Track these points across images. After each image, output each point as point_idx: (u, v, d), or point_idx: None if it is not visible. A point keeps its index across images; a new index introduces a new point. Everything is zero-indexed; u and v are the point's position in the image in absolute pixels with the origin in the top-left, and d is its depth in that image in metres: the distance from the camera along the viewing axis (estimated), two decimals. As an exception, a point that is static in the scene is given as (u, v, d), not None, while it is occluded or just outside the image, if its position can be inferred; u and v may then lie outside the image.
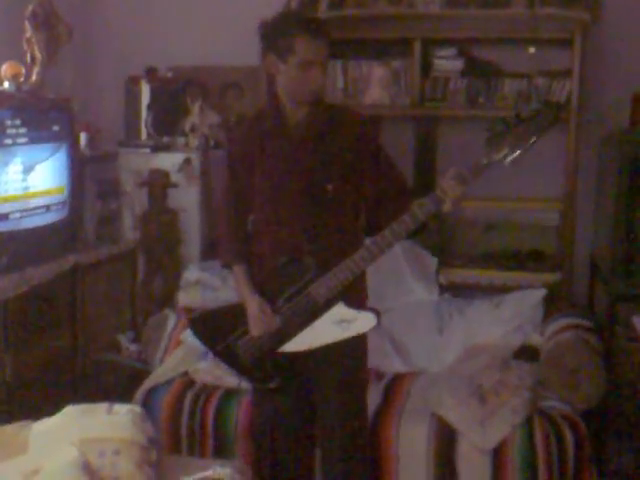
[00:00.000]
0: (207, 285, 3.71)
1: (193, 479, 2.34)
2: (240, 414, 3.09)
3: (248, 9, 3.60)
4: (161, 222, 3.95)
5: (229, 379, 3.17)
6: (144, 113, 4.17)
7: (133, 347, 3.77)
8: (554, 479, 2.88)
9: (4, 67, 3.34)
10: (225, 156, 2.75)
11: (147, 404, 3.12)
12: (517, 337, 3.43)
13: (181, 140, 4.12)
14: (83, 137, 3.96)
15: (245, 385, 3.05)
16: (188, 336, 3.31)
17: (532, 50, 3.96)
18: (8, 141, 3.16)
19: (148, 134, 4.16)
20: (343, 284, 2.48)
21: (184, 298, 3.75)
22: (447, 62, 3.92)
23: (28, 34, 3.44)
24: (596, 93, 3.90)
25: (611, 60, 3.90)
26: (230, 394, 3.17)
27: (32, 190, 3.32)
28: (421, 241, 3.75)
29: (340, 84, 3.99)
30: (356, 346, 2.62)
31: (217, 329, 2.70)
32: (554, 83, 3.76)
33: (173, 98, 4.18)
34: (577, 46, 3.61)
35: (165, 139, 4.13)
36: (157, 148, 4.05)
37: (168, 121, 4.16)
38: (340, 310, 2.51)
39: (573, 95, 3.67)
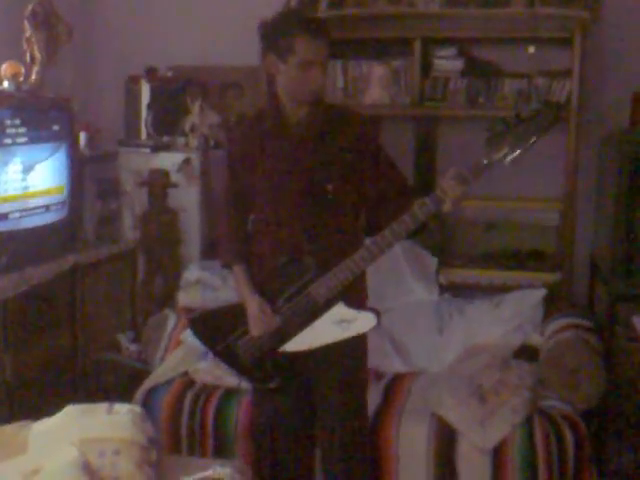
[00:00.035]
0: (207, 285, 3.71)
1: (193, 479, 2.34)
2: (240, 414, 3.09)
3: (248, 9, 3.60)
4: (161, 222, 3.95)
5: (229, 379, 3.17)
6: (144, 113, 4.17)
7: (133, 347, 3.77)
8: (554, 479, 2.88)
9: (4, 67, 3.33)
10: (225, 156, 2.75)
11: (147, 404, 3.12)
12: (517, 337, 3.43)
13: (181, 140, 4.12)
14: (83, 137, 3.97)
15: (245, 385, 3.05)
16: (188, 336, 3.31)
17: (532, 50, 3.95)
18: (8, 141, 3.16)
19: (148, 134, 4.16)
20: (343, 284, 2.47)
21: (184, 298, 3.75)
22: (447, 62, 3.92)
23: (28, 33, 3.44)
24: (596, 93, 3.90)
25: (611, 60, 3.90)
26: (230, 394, 3.17)
27: (32, 190, 3.32)
28: (421, 241, 3.75)
29: (340, 84, 3.99)
30: (356, 346, 2.62)
31: (217, 329, 2.70)
32: (554, 83, 3.76)
33: (173, 98, 4.18)
34: (577, 46, 3.61)
35: (165, 139, 4.12)
36: (157, 148, 4.05)
37: (168, 121, 4.16)
38: (340, 310, 2.51)
39: (573, 95, 3.66)
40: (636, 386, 3.28)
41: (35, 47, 3.44)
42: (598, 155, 3.93)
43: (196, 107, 4.10)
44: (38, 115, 3.37)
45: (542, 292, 3.56)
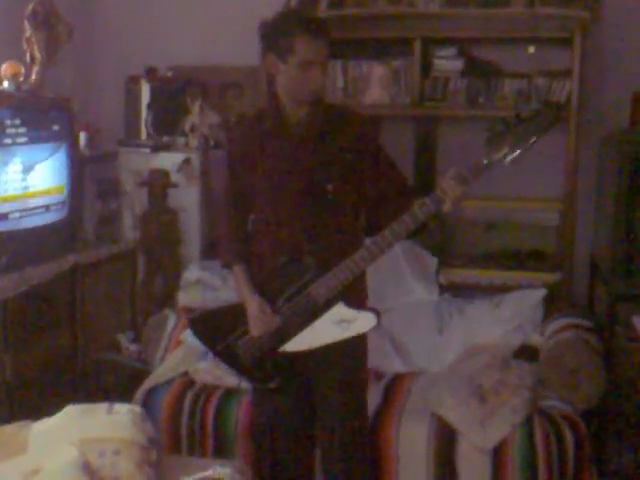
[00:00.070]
0: (207, 285, 3.71)
1: (193, 479, 2.34)
2: (240, 414, 3.09)
3: (248, 9, 3.60)
4: (161, 222, 3.94)
5: (229, 379, 3.17)
6: (144, 113, 4.17)
7: (133, 347, 3.77)
8: (554, 479, 2.88)
9: (4, 66, 3.33)
10: (225, 156, 2.75)
11: (147, 404, 3.12)
12: (517, 337, 3.43)
13: (181, 140, 4.12)
14: (83, 137, 3.96)
15: (245, 385, 3.04)
16: (188, 336, 3.31)
17: (532, 50, 3.95)
18: (8, 141, 3.16)
19: (148, 134, 4.16)
20: (343, 284, 2.47)
21: (184, 298, 3.75)
22: (447, 62, 3.91)
23: (28, 33, 3.43)
24: (596, 93, 3.90)
25: (611, 60, 3.90)
26: (230, 394, 3.17)
27: (32, 190, 3.31)
28: (421, 241, 3.75)
29: (340, 84, 3.99)
30: (356, 346, 2.62)
31: (217, 329, 2.70)
32: (554, 83, 3.76)
33: (173, 98, 4.18)
34: (577, 46, 3.61)
35: (165, 139, 4.12)
36: (157, 148, 4.05)
37: (168, 121, 4.15)
38: (340, 310, 2.51)
39: (573, 95, 3.66)
40: (636, 386, 3.28)
41: (35, 47, 3.44)
42: (598, 155, 3.93)
43: (196, 107, 4.10)
44: (38, 115, 3.37)
45: (542, 292, 3.56)
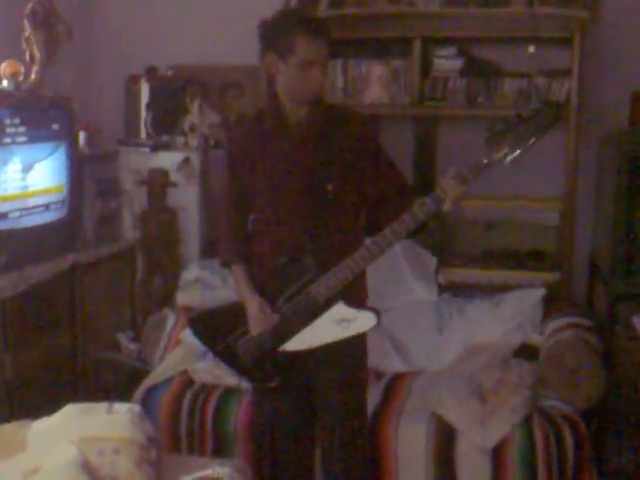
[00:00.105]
0: (206, 284, 3.71)
1: (192, 478, 2.34)
2: (240, 414, 3.09)
3: (248, 9, 3.60)
4: (160, 221, 3.94)
5: (229, 378, 3.17)
6: (144, 112, 4.17)
7: (132, 346, 3.77)
8: (554, 479, 2.88)
9: (3, 66, 3.33)
10: (225, 156, 2.75)
11: (146, 403, 3.12)
12: (517, 336, 3.43)
13: (180, 139, 4.11)
14: (82, 136, 3.96)
15: (245, 385, 3.04)
16: (187, 335, 3.31)
17: (532, 49, 3.95)
18: (7, 140, 3.16)
19: (148, 133, 4.16)
20: (343, 283, 2.47)
21: (183, 297, 3.75)
22: (447, 61, 3.91)
23: (27, 33, 3.43)
24: (595, 92, 3.90)
25: (610, 60, 3.90)
26: (230, 394, 3.17)
27: (31, 189, 3.31)
28: (421, 241, 3.75)
29: (340, 83, 3.99)
30: (356, 345, 2.62)
31: (217, 329, 2.70)
32: (554, 82, 3.76)
33: (173, 97, 4.18)
34: (576, 45, 3.61)
35: (165, 138, 4.12)
36: (157, 147, 4.05)
37: (168, 120, 4.15)
38: (340, 309, 2.51)
39: (572, 94, 3.66)
40: (636, 386, 3.28)
41: (35, 46, 3.43)
42: (597, 155, 3.93)
43: (196, 107, 4.10)
44: (38, 114, 3.36)
45: (542, 291, 3.56)
